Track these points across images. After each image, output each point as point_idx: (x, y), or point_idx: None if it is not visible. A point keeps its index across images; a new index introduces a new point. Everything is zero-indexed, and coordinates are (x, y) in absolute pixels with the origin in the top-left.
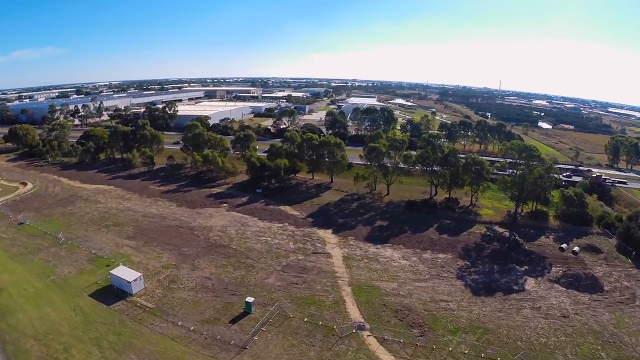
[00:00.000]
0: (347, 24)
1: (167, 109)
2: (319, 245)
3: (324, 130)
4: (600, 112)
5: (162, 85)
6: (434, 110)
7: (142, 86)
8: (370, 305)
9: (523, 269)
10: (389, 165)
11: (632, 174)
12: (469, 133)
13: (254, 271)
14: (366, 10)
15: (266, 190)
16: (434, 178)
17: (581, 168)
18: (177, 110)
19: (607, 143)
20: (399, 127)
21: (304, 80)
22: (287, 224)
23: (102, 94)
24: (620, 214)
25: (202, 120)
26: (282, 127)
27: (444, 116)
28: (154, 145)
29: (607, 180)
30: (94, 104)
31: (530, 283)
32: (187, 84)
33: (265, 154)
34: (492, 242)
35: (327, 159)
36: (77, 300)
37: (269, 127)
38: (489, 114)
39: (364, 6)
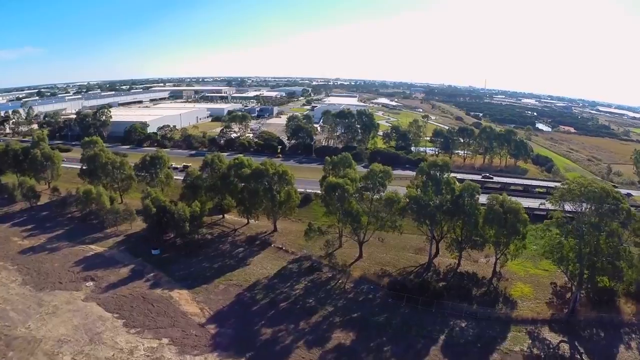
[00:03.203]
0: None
1: (97, 114)
2: None
3: (285, 139)
4: (592, 112)
5: (130, 86)
6: (422, 111)
7: (113, 87)
8: None
9: None
10: (361, 213)
11: None
12: (470, 141)
13: None
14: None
15: (167, 250)
16: (436, 230)
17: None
18: (111, 116)
19: (636, 153)
20: (380, 134)
21: (285, 79)
22: (166, 341)
23: (59, 95)
24: None
25: (138, 128)
26: (232, 135)
27: (432, 117)
28: (48, 168)
29: None
30: (24, 110)
31: None
32: (162, 84)
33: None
34: None
35: (263, 197)
36: None
37: (216, 137)
38: (480, 114)
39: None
